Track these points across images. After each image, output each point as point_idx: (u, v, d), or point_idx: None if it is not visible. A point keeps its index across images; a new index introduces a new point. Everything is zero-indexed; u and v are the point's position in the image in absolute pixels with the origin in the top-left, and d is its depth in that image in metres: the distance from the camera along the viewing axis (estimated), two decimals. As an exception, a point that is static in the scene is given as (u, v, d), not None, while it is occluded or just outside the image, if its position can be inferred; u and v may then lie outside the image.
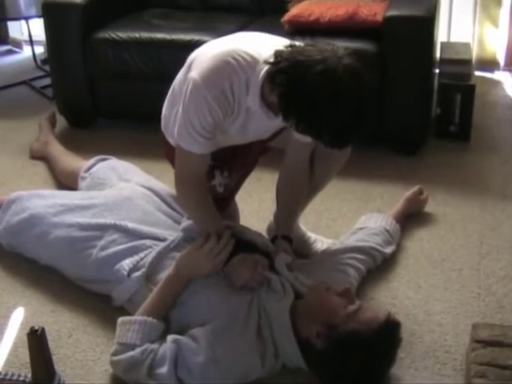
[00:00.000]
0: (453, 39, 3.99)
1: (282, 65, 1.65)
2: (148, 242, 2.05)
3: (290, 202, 2.14)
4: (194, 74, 1.78)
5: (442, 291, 2.13)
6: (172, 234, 2.07)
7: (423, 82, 2.92)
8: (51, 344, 1.73)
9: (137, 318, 1.83)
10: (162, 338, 1.81)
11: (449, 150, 3.06)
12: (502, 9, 3.91)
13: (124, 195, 2.25)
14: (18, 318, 2.06)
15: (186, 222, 2.08)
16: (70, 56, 3.20)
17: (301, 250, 2.24)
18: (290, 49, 1.68)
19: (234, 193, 2.21)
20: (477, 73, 3.61)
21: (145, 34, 3.11)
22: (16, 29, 4.69)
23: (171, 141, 2.06)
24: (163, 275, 1.92)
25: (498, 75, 4.00)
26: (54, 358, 1.76)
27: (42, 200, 2.29)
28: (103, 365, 1.85)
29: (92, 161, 2.56)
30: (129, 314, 1.92)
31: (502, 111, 3.55)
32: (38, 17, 3.69)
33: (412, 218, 2.51)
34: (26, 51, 4.59)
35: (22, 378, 1.73)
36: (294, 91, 1.62)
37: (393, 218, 2.36)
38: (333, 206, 2.63)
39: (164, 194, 2.29)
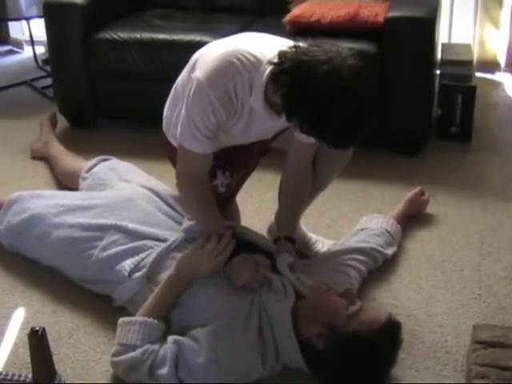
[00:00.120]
0: (454, 40, 4.00)
1: (285, 65, 1.65)
2: (149, 242, 2.05)
3: (293, 203, 2.14)
4: (198, 73, 1.78)
5: (443, 292, 2.13)
6: (173, 235, 2.07)
7: (424, 83, 2.92)
8: (52, 344, 1.73)
9: (137, 318, 1.83)
10: (162, 339, 1.81)
11: (450, 151, 3.06)
12: (503, 10, 3.91)
13: (125, 196, 2.25)
14: (18, 319, 2.05)
15: (186, 223, 2.08)
16: (71, 56, 3.20)
17: (301, 250, 2.23)
18: (293, 49, 1.69)
19: (235, 193, 2.22)
20: (478, 74, 3.60)
21: (146, 35, 3.11)
22: (17, 29, 4.69)
23: (173, 141, 2.06)
24: (164, 275, 1.92)
25: (498, 76, 4.00)
26: (55, 359, 1.77)
27: (43, 200, 2.29)
28: (104, 365, 1.85)
29: (93, 161, 2.56)
30: (130, 314, 1.92)
31: (503, 112, 3.55)
32: (39, 17, 3.69)
33: (413, 218, 2.51)
34: (27, 51, 4.59)
35: (22, 379, 1.73)
36: (298, 91, 1.62)
37: (394, 219, 2.36)
38: (333, 206, 2.63)
39: (165, 195, 2.29)
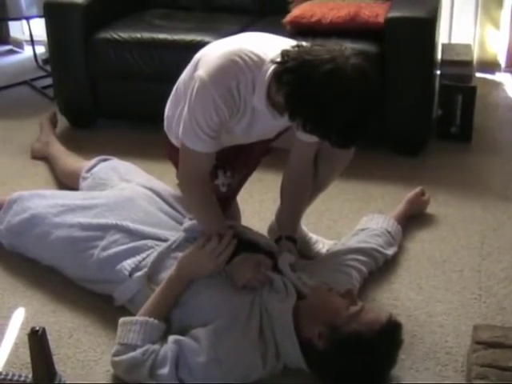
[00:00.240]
0: (454, 41, 4.00)
1: (289, 64, 1.65)
2: (150, 242, 2.05)
3: (294, 202, 2.14)
4: (201, 72, 1.78)
5: (444, 292, 2.13)
6: (174, 235, 2.06)
7: (424, 84, 2.92)
8: (52, 344, 1.73)
9: (138, 318, 1.83)
10: (163, 339, 1.81)
11: (450, 152, 3.06)
12: (503, 10, 3.91)
13: (125, 196, 2.25)
14: (18, 318, 2.05)
15: (187, 223, 2.08)
16: (72, 56, 3.20)
17: (302, 250, 2.23)
18: (296, 49, 1.69)
19: (236, 193, 2.22)
20: (478, 74, 3.60)
21: (146, 35, 3.11)
22: (17, 29, 4.69)
23: (174, 141, 2.06)
24: (165, 275, 1.92)
25: (499, 77, 4.00)
26: (55, 359, 1.77)
27: (43, 200, 2.29)
28: (104, 365, 1.85)
29: (93, 161, 2.56)
30: (130, 314, 1.92)
31: (503, 113, 3.55)
32: (39, 17, 3.69)
33: (413, 219, 2.51)
34: (27, 51, 4.59)
35: (22, 379, 1.73)
36: (301, 90, 1.62)
37: (394, 220, 2.36)
38: (334, 206, 2.63)
39: (165, 195, 2.29)
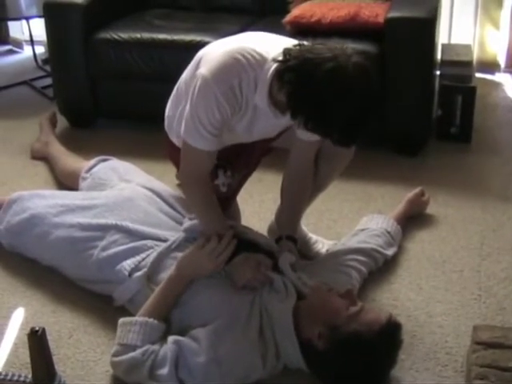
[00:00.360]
0: (454, 41, 4.00)
1: (290, 63, 1.66)
2: (149, 242, 2.05)
3: (295, 202, 2.14)
4: (203, 70, 1.78)
5: (443, 293, 2.13)
6: (173, 235, 2.06)
7: (424, 84, 2.92)
8: (52, 344, 1.73)
9: (138, 318, 1.83)
10: (163, 339, 1.80)
11: (450, 152, 3.06)
12: (503, 11, 3.91)
13: (125, 196, 2.25)
14: (18, 319, 2.05)
15: (187, 223, 2.08)
16: (71, 56, 3.20)
17: (302, 250, 2.23)
18: (298, 47, 1.69)
19: (236, 193, 2.22)
20: (477, 75, 3.60)
21: (146, 35, 3.11)
22: (17, 29, 4.69)
23: (175, 140, 2.06)
24: (165, 275, 1.92)
25: (498, 77, 4.00)
26: (55, 359, 1.76)
27: (43, 200, 2.29)
28: (104, 365, 1.85)
29: (93, 161, 2.56)
30: (130, 314, 1.92)
31: (503, 113, 3.55)
32: (39, 17, 3.69)
33: (413, 219, 2.51)
34: (27, 51, 4.58)
35: (22, 379, 1.73)
36: (303, 89, 1.62)
37: (394, 220, 2.36)
38: (333, 206, 2.63)
39: (165, 195, 2.28)
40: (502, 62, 4.01)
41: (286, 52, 1.69)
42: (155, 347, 1.76)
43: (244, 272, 1.90)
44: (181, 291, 1.89)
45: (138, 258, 2.01)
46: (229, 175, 2.06)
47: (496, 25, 3.96)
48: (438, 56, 3.37)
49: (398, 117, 2.93)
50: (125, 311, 1.97)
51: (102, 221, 2.13)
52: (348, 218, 2.55)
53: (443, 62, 3.33)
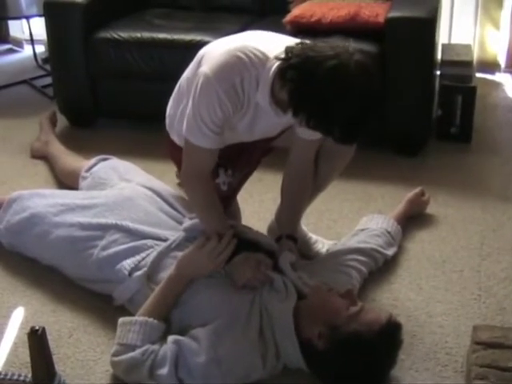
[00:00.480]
0: (454, 41, 3.99)
1: (292, 61, 1.66)
2: (149, 241, 2.05)
3: (295, 201, 2.14)
4: (205, 68, 1.78)
5: (443, 293, 2.13)
6: (173, 235, 2.06)
7: (424, 84, 2.92)
8: (51, 344, 1.73)
9: (137, 318, 1.83)
10: (162, 339, 1.80)
11: (450, 152, 3.06)
12: (503, 11, 3.91)
13: (125, 195, 2.24)
14: (18, 318, 2.05)
15: (187, 222, 2.08)
16: (71, 55, 3.20)
17: (301, 250, 2.23)
18: (300, 45, 1.69)
19: (236, 192, 2.22)
20: (478, 75, 3.60)
21: (146, 34, 3.11)
22: (17, 28, 4.69)
23: (176, 139, 2.06)
24: (164, 275, 1.92)
25: (498, 77, 4.00)
26: (55, 358, 1.76)
27: (43, 199, 2.29)
28: (104, 365, 1.84)
29: (93, 160, 2.55)
30: (130, 313, 1.92)
31: (503, 113, 3.55)
32: (39, 16, 3.69)
33: (413, 219, 2.51)
34: (27, 50, 4.58)
35: (22, 378, 1.73)
36: (305, 86, 1.62)
37: (394, 220, 2.36)
38: (333, 206, 2.63)
39: (166, 195, 2.28)
40: (502, 62, 4.01)
41: (288, 50, 1.69)
42: (155, 347, 1.76)
43: (244, 271, 1.90)
44: (181, 291, 1.89)
45: (138, 257, 2.01)
46: (229, 174, 2.06)
47: (496, 25, 3.96)
48: (438, 56, 3.37)
49: (398, 117, 2.93)
50: (125, 311, 1.97)
51: (102, 220, 2.13)
52: (348, 218, 2.55)
53: (443, 62, 3.33)
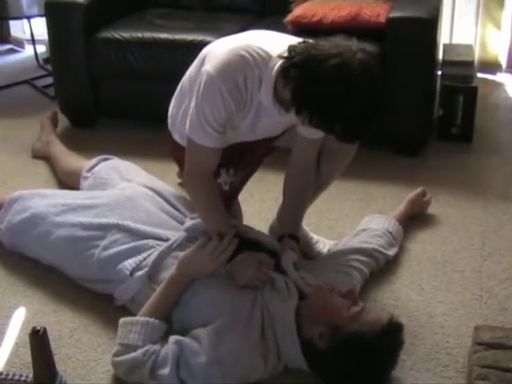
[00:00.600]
0: (455, 41, 3.99)
1: (296, 59, 1.66)
2: (151, 241, 2.05)
3: (297, 200, 2.14)
4: (208, 67, 1.78)
5: (445, 293, 2.13)
6: (175, 234, 2.06)
7: (425, 84, 2.92)
8: (52, 344, 1.73)
9: (139, 318, 1.83)
10: (164, 339, 1.80)
11: (451, 152, 3.06)
12: (505, 11, 3.91)
13: (126, 195, 2.24)
14: (19, 318, 2.05)
15: (189, 222, 2.08)
16: (72, 55, 3.20)
17: (303, 250, 2.23)
18: (303, 44, 1.69)
19: (238, 191, 2.22)
20: (479, 75, 3.60)
21: (147, 34, 3.11)
22: (18, 28, 4.69)
23: (178, 139, 2.06)
24: (166, 275, 1.92)
25: (500, 77, 4.00)
26: (56, 358, 1.77)
27: (44, 199, 2.29)
28: (105, 365, 1.84)
29: (94, 160, 2.55)
30: (131, 313, 1.92)
31: (504, 113, 3.55)
32: (40, 16, 3.69)
33: (414, 219, 2.50)
34: (28, 50, 4.58)
35: (23, 378, 1.73)
36: (308, 85, 1.62)
37: (395, 220, 2.35)
38: (334, 206, 2.63)
39: (167, 194, 2.28)
40: (504, 62, 4.01)
41: (291, 49, 1.69)
42: (156, 347, 1.76)
43: (246, 271, 1.90)
44: (182, 291, 1.89)
45: (140, 257, 2.01)
46: (231, 174, 2.06)
47: (497, 25, 3.95)
48: (440, 56, 3.37)
49: (399, 117, 2.93)
50: (126, 311, 1.97)
51: (104, 220, 2.13)
52: (349, 218, 2.55)
53: (445, 62, 3.33)
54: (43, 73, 4.12)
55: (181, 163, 1.99)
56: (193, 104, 1.83)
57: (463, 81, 3.11)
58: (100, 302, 2.07)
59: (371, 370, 1.70)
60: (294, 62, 1.66)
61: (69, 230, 2.14)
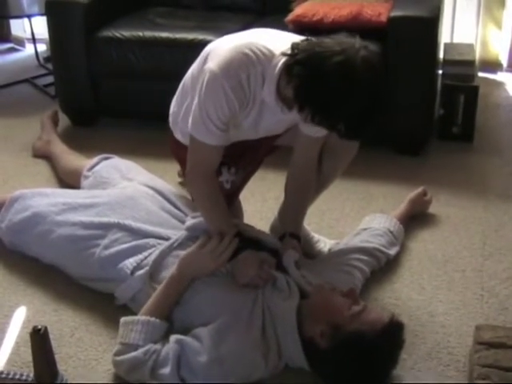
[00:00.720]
0: (456, 40, 3.99)
1: (299, 56, 1.66)
2: (152, 240, 2.05)
3: (299, 199, 2.14)
4: (212, 65, 1.78)
5: (446, 292, 2.13)
6: (176, 234, 2.06)
7: (426, 83, 2.92)
8: (53, 343, 1.73)
9: (140, 318, 1.83)
10: (165, 338, 1.80)
11: (452, 151, 3.06)
12: (506, 10, 3.90)
13: (127, 194, 2.24)
14: (20, 317, 2.05)
15: (189, 221, 2.08)
16: (73, 54, 3.20)
17: (304, 249, 2.22)
18: (306, 41, 1.69)
19: (239, 190, 2.21)
20: (480, 74, 3.60)
21: (148, 33, 3.11)
22: (18, 27, 4.69)
23: (180, 137, 2.06)
24: (166, 274, 1.92)
25: (501, 76, 3.99)
26: (56, 357, 1.76)
27: (45, 198, 2.29)
28: (106, 364, 1.84)
29: (95, 159, 2.55)
30: (132, 312, 1.92)
31: (505, 112, 3.54)
32: (41, 15, 3.68)
33: (415, 219, 2.50)
34: (29, 49, 4.58)
35: (24, 378, 1.73)
36: (311, 82, 1.62)
37: (396, 219, 2.35)
38: (335, 206, 2.63)
39: (168, 193, 2.28)
40: (505, 61, 4.00)
41: (295, 46, 1.69)
42: (157, 346, 1.76)
43: (247, 270, 1.90)
44: (183, 290, 1.89)
45: (140, 256, 2.01)
46: (233, 172, 2.06)
47: (498, 24, 3.95)
48: (441, 55, 3.37)
49: (400, 116, 2.92)
50: (127, 310, 1.97)
51: (105, 219, 2.13)
52: (350, 218, 2.55)
53: (445, 61, 3.33)
54: (44, 72, 4.11)
55: (182, 162, 1.98)
56: (195, 102, 1.83)
57: (464, 80, 3.10)
58: (101, 301, 2.07)
59: (372, 369, 1.70)
60: (298, 59, 1.66)
61: (69, 229, 2.14)
